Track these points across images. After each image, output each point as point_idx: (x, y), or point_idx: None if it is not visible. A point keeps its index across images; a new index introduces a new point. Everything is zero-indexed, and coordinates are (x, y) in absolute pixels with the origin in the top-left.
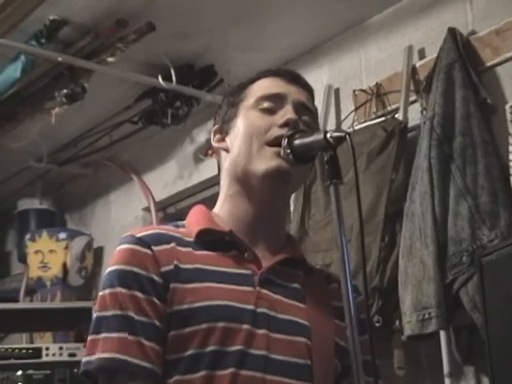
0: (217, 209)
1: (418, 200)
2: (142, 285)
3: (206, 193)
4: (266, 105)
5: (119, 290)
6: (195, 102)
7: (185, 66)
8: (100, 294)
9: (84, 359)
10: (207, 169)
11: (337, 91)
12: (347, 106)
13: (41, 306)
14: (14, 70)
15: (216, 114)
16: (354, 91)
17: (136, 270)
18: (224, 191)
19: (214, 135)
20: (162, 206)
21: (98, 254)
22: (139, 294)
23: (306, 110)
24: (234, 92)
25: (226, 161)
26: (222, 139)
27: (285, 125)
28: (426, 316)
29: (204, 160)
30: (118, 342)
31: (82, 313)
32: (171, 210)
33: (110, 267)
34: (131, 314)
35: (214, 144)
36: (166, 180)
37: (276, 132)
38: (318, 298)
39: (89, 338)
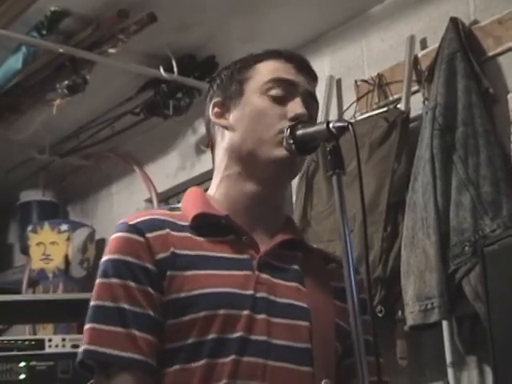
0: (212, 190)
1: (420, 190)
2: (136, 274)
3: (208, 183)
4: (275, 92)
5: (113, 280)
6: (197, 93)
7: (186, 56)
8: (96, 283)
9: (80, 349)
10: (209, 160)
11: (339, 82)
12: (349, 96)
13: (43, 297)
14: (16, 62)
15: (213, 85)
16: (356, 82)
17: (129, 258)
18: (221, 171)
19: (214, 108)
20: (164, 198)
21: (100, 245)
22: (132, 284)
23: (313, 101)
24: (240, 68)
25: (225, 139)
26: (222, 115)
27: (295, 119)
28: (429, 306)
29: (206, 151)
30: (108, 335)
31: (85, 304)
32: (173, 201)
33: (104, 256)
34: (124, 305)
35: (213, 118)
36: (168, 171)
37: (286, 125)
38: (318, 279)
39: (85, 326)
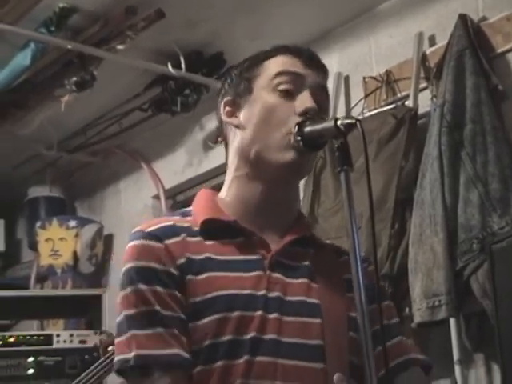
0: (223, 192)
1: (428, 187)
2: (162, 279)
3: (215, 180)
4: (283, 86)
5: (140, 286)
6: (204, 89)
7: (194, 53)
8: (121, 293)
9: (117, 358)
10: (216, 156)
11: (346, 78)
12: (357, 93)
13: (51, 293)
14: (24, 58)
15: (224, 83)
16: (364, 78)
17: (153, 264)
18: (232, 171)
19: (225, 107)
20: (171, 194)
21: (108, 241)
22: (160, 289)
23: (323, 94)
24: (248, 66)
25: (237, 138)
26: (233, 113)
27: (304, 114)
28: (436, 303)
29: (213, 147)
30: (150, 338)
31: (93, 300)
32: (180, 197)
33: (125, 265)
34: (157, 308)
35: (224, 117)
36: (175, 168)
37: (295, 121)
38: (329, 274)
39: (117, 339)
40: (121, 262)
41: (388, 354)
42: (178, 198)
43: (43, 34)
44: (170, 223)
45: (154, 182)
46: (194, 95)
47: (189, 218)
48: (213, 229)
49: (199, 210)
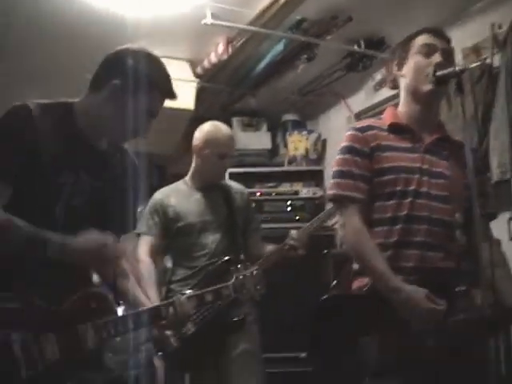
0: (400, 108)
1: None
2: (359, 153)
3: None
4: (425, 51)
5: (346, 156)
6: (374, 58)
7: (367, 38)
8: (336, 157)
9: (328, 192)
10: (382, 94)
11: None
12: None
13: (298, 168)
14: (279, 47)
15: (394, 53)
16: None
17: (355, 145)
18: (403, 98)
19: (396, 66)
20: (359, 115)
21: (324, 143)
22: (357, 158)
23: (447, 54)
24: (404, 43)
25: (403, 82)
26: (400, 69)
27: (436, 65)
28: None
29: (379, 90)
30: (343, 184)
31: (318, 172)
32: (365, 117)
33: (342, 143)
34: (352, 168)
35: (395, 71)
36: (361, 100)
37: (431, 70)
38: (457, 159)
39: (330, 181)
40: (332, 153)
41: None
42: (362, 117)
43: (289, 34)
44: (369, 123)
45: (349, 111)
46: (368, 61)
47: (380, 121)
48: (394, 128)
49: (387, 117)
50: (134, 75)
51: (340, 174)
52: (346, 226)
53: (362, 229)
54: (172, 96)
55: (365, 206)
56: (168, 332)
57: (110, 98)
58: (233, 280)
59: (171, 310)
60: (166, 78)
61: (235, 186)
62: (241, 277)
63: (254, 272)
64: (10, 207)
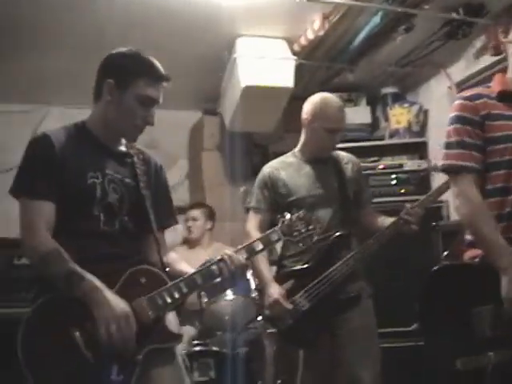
0: (508, 74)
1: None
2: (470, 122)
3: (491, 71)
4: None
5: (457, 126)
6: (475, 25)
7: (466, 5)
8: (448, 128)
9: (441, 163)
10: (483, 62)
11: None
12: None
13: (401, 141)
14: (377, 19)
15: (498, 20)
16: None
17: (465, 114)
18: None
19: (500, 33)
20: (460, 85)
21: (426, 113)
22: (468, 128)
23: None
24: (510, 8)
25: (511, 48)
26: (506, 35)
27: None
28: None
29: (481, 56)
30: (456, 155)
31: (421, 144)
32: (465, 86)
33: (451, 113)
34: (465, 138)
35: (501, 38)
36: (460, 69)
37: None
38: None
39: (443, 150)
40: (434, 124)
41: None
42: (463, 86)
43: (385, 5)
44: (478, 92)
45: (449, 80)
46: (468, 29)
47: (488, 89)
48: (503, 96)
49: (495, 85)
50: (124, 70)
51: (452, 145)
52: (460, 196)
53: (478, 199)
54: (165, 79)
55: (479, 176)
56: (285, 308)
57: (110, 98)
58: (279, 225)
59: (223, 265)
60: (152, 64)
61: (345, 156)
62: (287, 220)
63: (301, 214)
64: (57, 223)
